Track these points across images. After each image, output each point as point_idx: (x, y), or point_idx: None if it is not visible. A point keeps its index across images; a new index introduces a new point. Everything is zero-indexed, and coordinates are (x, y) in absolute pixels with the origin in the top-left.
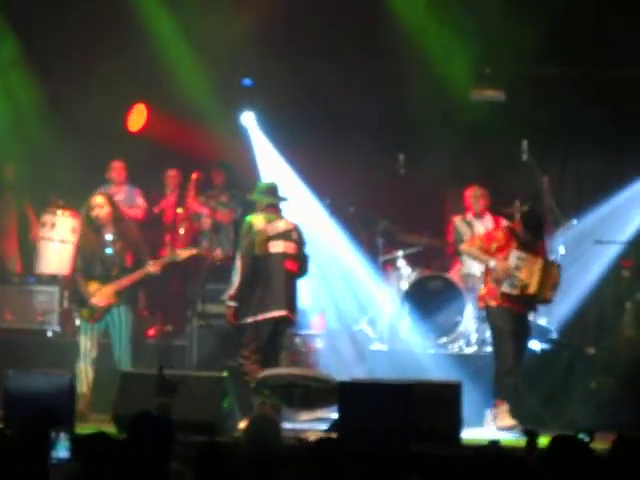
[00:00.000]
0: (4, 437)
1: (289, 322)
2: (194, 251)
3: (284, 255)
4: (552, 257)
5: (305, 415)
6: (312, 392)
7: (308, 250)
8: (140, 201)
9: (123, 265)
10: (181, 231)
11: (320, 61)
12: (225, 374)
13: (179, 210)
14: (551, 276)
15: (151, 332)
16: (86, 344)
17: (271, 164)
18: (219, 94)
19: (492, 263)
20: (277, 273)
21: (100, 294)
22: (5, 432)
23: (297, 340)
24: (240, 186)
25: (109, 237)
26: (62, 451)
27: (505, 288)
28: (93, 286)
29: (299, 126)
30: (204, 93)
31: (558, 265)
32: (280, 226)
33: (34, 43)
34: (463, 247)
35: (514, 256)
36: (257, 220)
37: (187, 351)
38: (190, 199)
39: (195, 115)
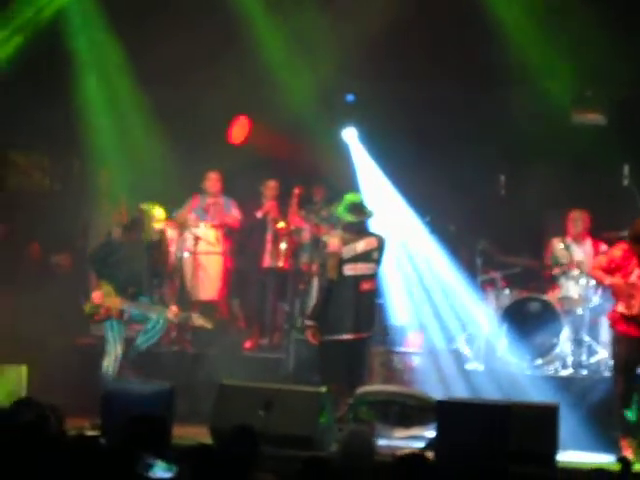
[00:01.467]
0: (98, 446)
1: (363, 341)
2: (209, 325)
3: (361, 277)
4: None
5: (400, 432)
6: (409, 410)
7: (400, 269)
8: (235, 212)
9: (141, 287)
10: (282, 246)
11: (423, 79)
12: (324, 389)
13: (280, 225)
14: None
15: (247, 344)
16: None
17: (372, 180)
18: (322, 109)
19: (607, 281)
20: (349, 296)
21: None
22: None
23: (393, 357)
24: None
25: (146, 254)
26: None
27: (621, 308)
28: (105, 288)
29: (401, 143)
30: (307, 107)
31: None
32: (359, 247)
33: (140, 52)
34: (589, 270)
35: (635, 274)
36: (333, 240)
37: (283, 364)
38: (292, 214)
39: (297, 129)
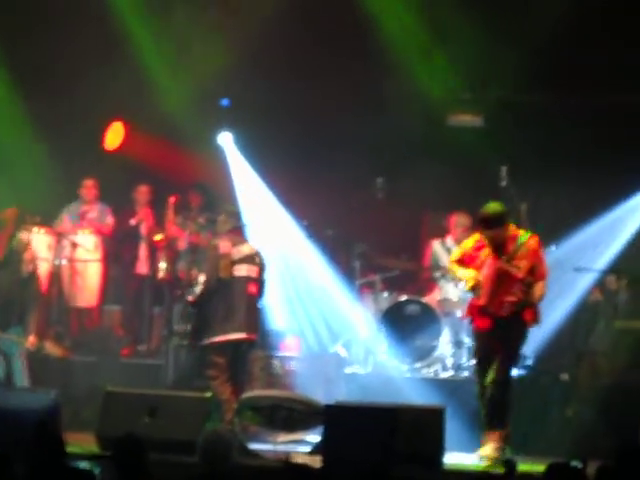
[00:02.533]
0: None
1: (250, 343)
2: (65, 353)
3: (247, 279)
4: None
5: (286, 437)
6: (296, 414)
7: (277, 274)
8: (109, 219)
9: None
10: (162, 265)
11: (299, 83)
12: (209, 395)
13: (158, 237)
14: (504, 284)
15: (125, 351)
16: None
17: (248, 185)
18: (197, 114)
19: (459, 273)
20: (239, 296)
21: None
22: None
23: (273, 362)
24: (217, 208)
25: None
26: None
27: (474, 300)
28: None
29: (277, 147)
30: (183, 112)
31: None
32: (245, 250)
33: (14, 59)
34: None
35: (486, 264)
36: (224, 243)
37: (162, 370)
38: (169, 224)
39: (173, 134)
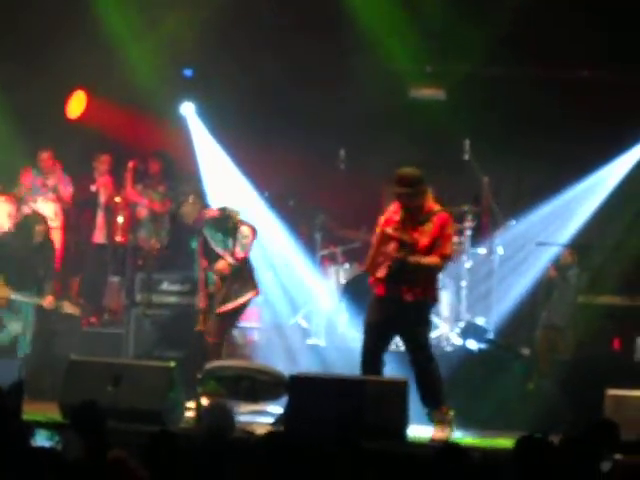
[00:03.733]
0: None
1: None
2: (77, 312)
3: None
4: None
5: (249, 407)
6: (259, 385)
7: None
8: (69, 188)
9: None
10: (119, 220)
11: (262, 53)
12: (172, 364)
13: (117, 199)
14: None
15: (86, 321)
16: None
17: (210, 156)
18: (160, 83)
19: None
20: None
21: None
22: None
23: (235, 332)
24: (177, 177)
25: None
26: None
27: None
28: None
29: (239, 118)
30: (145, 82)
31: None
32: None
33: None
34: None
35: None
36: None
37: (123, 340)
38: (128, 188)
39: (135, 103)
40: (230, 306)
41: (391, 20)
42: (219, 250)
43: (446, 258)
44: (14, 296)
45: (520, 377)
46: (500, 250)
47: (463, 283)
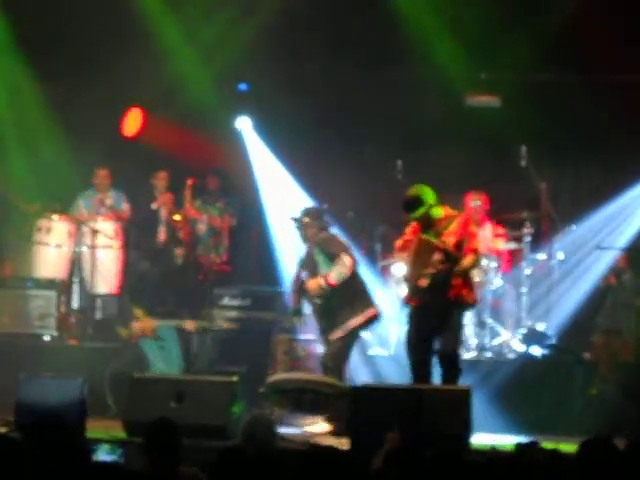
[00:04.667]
0: (11, 442)
1: None
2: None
3: None
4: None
5: (313, 420)
6: (322, 397)
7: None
8: (125, 205)
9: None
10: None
11: (317, 67)
12: (235, 379)
13: (176, 217)
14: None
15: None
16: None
17: (267, 170)
18: (216, 99)
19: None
20: None
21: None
22: (12, 437)
23: (297, 345)
24: (235, 192)
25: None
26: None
27: None
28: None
29: (295, 132)
30: (201, 98)
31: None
32: None
33: (33, 45)
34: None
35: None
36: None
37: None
38: (187, 205)
39: (191, 120)
40: (340, 333)
41: (442, 28)
42: (321, 272)
43: (477, 253)
44: (159, 324)
45: (583, 382)
46: (560, 255)
47: (523, 289)
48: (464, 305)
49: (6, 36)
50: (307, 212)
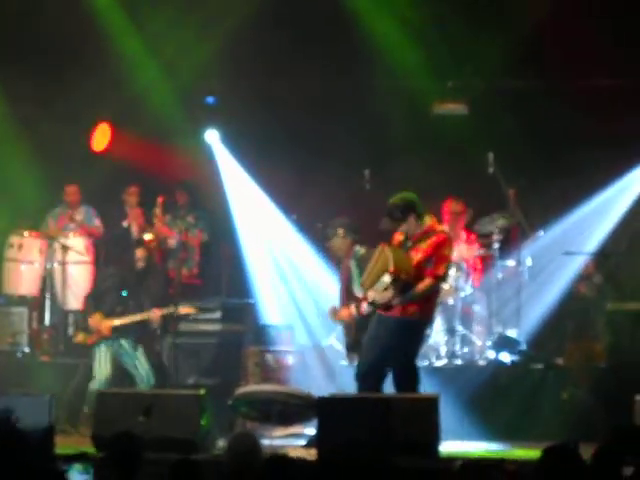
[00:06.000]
0: None
1: None
2: (194, 310)
3: None
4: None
5: (282, 431)
6: (291, 408)
7: (269, 268)
8: (97, 221)
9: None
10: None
11: (284, 78)
12: (203, 392)
13: (147, 237)
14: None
15: None
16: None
17: (236, 182)
18: (183, 112)
19: None
20: None
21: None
22: None
23: (268, 356)
24: (204, 205)
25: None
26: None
27: None
28: (97, 316)
29: (264, 143)
30: (168, 111)
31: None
32: None
33: None
34: None
35: None
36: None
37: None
38: (158, 224)
39: (160, 134)
40: None
41: (408, 37)
42: (355, 289)
43: (438, 278)
44: (117, 322)
45: (554, 387)
46: (529, 261)
47: (493, 296)
48: (412, 322)
49: None
50: (342, 224)
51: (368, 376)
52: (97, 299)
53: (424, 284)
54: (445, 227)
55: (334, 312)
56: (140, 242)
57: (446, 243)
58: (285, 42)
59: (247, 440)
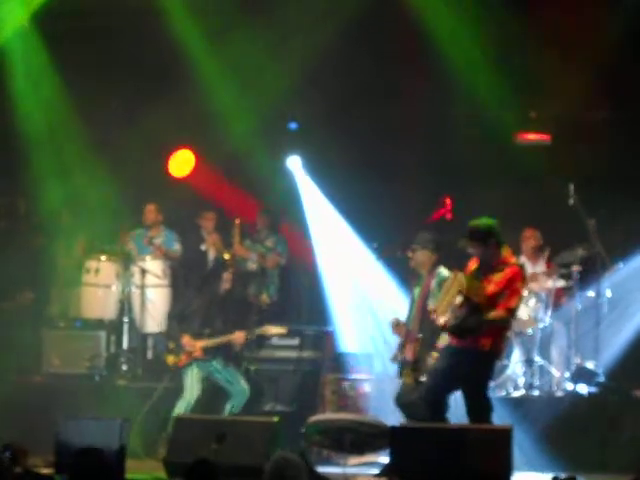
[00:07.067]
0: None
1: None
2: (283, 330)
3: None
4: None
5: (354, 459)
6: (363, 437)
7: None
8: (177, 246)
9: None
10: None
11: (364, 105)
12: (276, 419)
13: (226, 256)
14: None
15: None
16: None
17: (318, 208)
18: (265, 138)
19: None
20: None
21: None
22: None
23: (345, 384)
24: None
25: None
26: None
27: None
28: (187, 338)
29: (345, 170)
30: (250, 137)
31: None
32: None
33: (80, 88)
34: None
35: None
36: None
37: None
38: (236, 245)
39: (239, 159)
40: None
41: (491, 68)
42: (430, 305)
43: (511, 311)
44: (208, 343)
45: (632, 420)
46: (608, 293)
47: (572, 327)
48: (483, 354)
49: (53, 77)
50: (433, 240)
51: (438, 404)
52: (182, 321)
53: (496, 313)
54: (520, 260)
55: (397, 325)
56: (225, 265)
57: (519, 276)
58: (364, 68)
59: (287, 465)
